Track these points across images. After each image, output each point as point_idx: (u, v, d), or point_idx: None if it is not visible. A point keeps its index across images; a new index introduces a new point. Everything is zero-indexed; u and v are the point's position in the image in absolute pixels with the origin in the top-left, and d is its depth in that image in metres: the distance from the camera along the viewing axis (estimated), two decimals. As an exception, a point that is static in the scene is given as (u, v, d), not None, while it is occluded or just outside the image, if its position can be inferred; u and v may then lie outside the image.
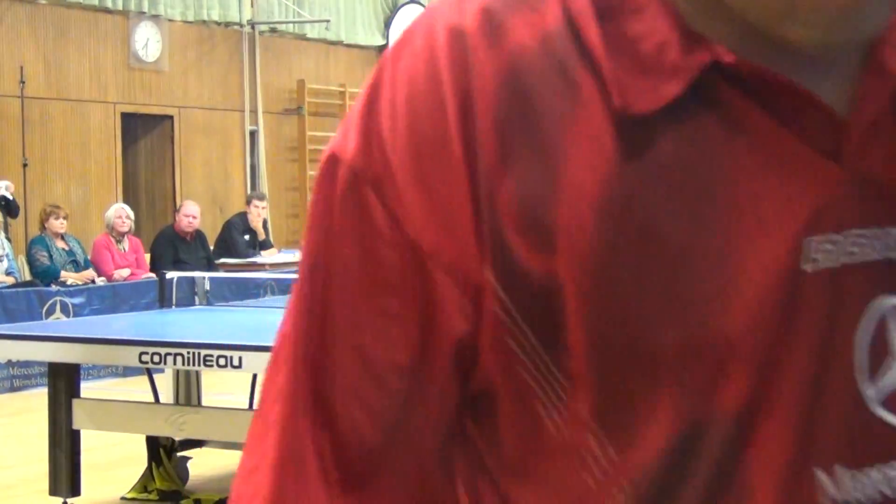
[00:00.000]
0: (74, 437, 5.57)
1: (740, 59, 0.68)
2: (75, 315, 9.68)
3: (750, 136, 0.69)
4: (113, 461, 6.59)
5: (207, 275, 7.49)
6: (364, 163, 0.72)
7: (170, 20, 14.02)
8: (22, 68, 12.46)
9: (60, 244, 11.00)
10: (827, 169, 0.69)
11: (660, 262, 0.69)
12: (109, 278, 11.06)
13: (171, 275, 6.82)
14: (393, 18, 17.21)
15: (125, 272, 11.27)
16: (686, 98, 0.69)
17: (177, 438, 5.93)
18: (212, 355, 4.85)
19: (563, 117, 0.70)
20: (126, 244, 11.54)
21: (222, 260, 12.22)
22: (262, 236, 13.02)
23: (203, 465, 6.41)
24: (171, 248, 11.65)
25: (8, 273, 10.51)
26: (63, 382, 5.59)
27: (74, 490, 5.58)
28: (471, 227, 0.70)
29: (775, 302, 0.69)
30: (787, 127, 0.69)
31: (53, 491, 5.58)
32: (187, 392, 6.20)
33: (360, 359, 0.74)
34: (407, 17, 17.35)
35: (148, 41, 13.84)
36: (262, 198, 13.38)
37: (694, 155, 0.69)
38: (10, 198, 11.16)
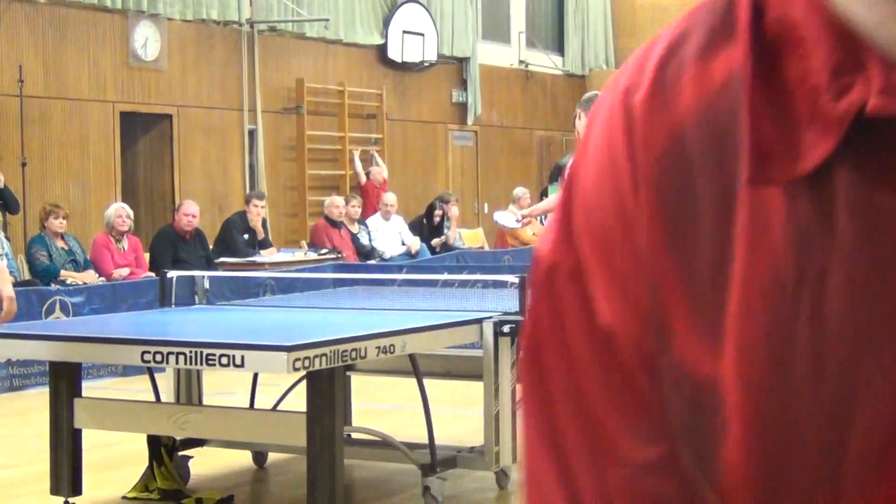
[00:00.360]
0: (76, 436, 5.56)
1: (888, 106, 0.59)
2: (75, 314, 9.67)
3: None
4: (114, 460, 6.59)
5: (207, 274, 7.47)
6: (558, 256, 0.71)
7: (169, 19, 14.01)
8: (21, 67, 12.45)
9: (60, 244, 10.99)
10: None
11: (839, 347, 0.61)
12: (109, 277, 11.05)
13: (172, 274, 6.81)
14: (392, 17, 17.19)
15: (125, 271, 11.26)
16: (857, 140, 0.60)
17: (178, 437, 5.93)
18: (214, 354, 4.84)
19: (724, 190, 0.64)
20: (126, 243, 11.53)
21: (222, 259, 12.22)
22: (261, 235, 13.02)
23: (204, 464, 6.41)
24: (171, 247, 11.64)
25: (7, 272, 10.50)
26: (64, 382, 5.58)
27: (76, 489, 5.57)
28: (646, 312, 0.67)
29: None
30: None
31: (55, 490, 5.58)
32: (188, 391, 6.20)
33: (605, 474, 0.69)
34: (405, 15, 17.34)
35: (147, 40, 13.83)
36: (261, 197, 13.38)
37: (873, 207, 0.60)
38: (2, 185, 11.13)
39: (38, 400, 7.98)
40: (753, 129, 0.62)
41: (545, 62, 20.60)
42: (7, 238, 11.05)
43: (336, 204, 14.23)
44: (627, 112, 0.68)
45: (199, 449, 6.26)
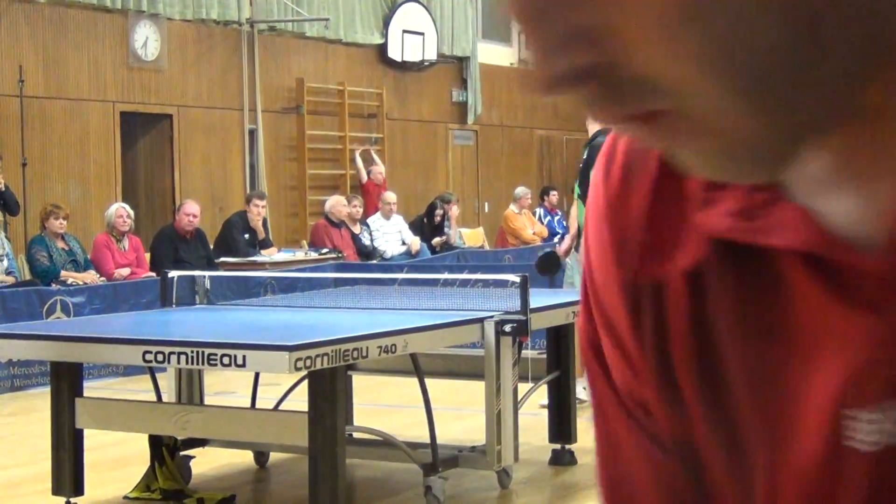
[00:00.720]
0: (77, 436, 5.56)
1: (731, 229, 0.63)
2: (76, 314, 9.67)
3: (784, 294, 0.62)
4: (115, 460, 6.59)
5: (208, 273, 7.47)
6: (584, 328, 0.76)
7: (169, 19, 14.01)
8: (21, 67, 12.45)
9: (60, 244, 10.98)
10: (863, 326, 0.59)
11: (732, 437, 0.68)
12: (110, 277, 11.05)
13: (173, 274, 6.81)
14: (392, 17, 17.19)
15: (125, 271, 11.26)
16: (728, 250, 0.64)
17: (180, 437, 5.93)
18: (215, 354, 4.84)
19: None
20: (126, 243, 11.53)
21: (222, 259, 12.21)
22: (261, 235, 13.01)
23: (206, 464, 6.41)
24: (172, 247, 11.64)
25: (8, 273, 10.50)
26: (66, 382, 5.58)
27: (77, 489, 5.57)
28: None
29: (818, 478, 0.63)
30: (818, 280, 0.61)
31: (56, 490, 5.57)
32: (190, 391, 6.20)
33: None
34: (405, 15, 17.33)
35: (147, 40, 13.83)
36: (261, 197, 13.37)
37: (743, 312, 0.65)
38: (2, 188, 11.11)
39: (39, 400, 7.98)
40: (647, 222, 0.67)
41: (545, 61, 20.57)
42: (7, 238, 11.05)
43: (341, 204, 14.18)
44: (605, 199, 0.71)
45: (200, 449, 6.25)
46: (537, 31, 0.55)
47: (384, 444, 5.92)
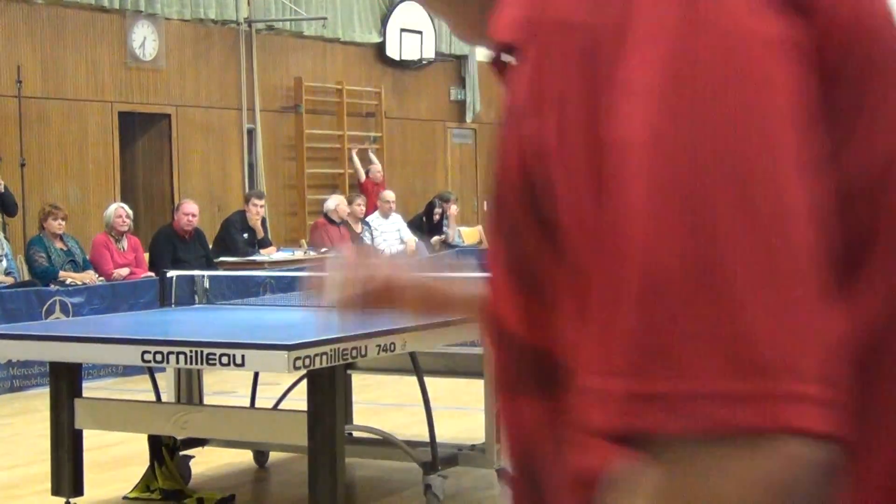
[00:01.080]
0: (77, 436, 5.56)
1: None
2: (75, 314, 9.67)
3: None
4: (115, 461, 6.59)
5: (207, 273, 7.47)
6: None
7: (167, 19, 14.00)
8: (19, 68, 12.45)
9: (59, 245, 10.97)
10: None
11: None
12: (109, 277, 11.04)
13: (172, 273, 6.81)
14: (390, 16, 17.18)
15: (124, 271, 11.24)
16: None
17: (179, 437, 5.93)
18: (214, 354, 4.84)
19: None
20: (125, 243, 11.52)
21: (221, 258, 12.21)
22: (260, 234, 13.00)
23: (205, 463, 6.41)
24: (170, 246, 11.63)
25: (7, 273, 10.49)
26: (65, 382, 5.58)
27: (77, 490, 5.58)
28: None
29: None
30: None
31: (56, 491, 5.58)
32: (189, 391, 6.20)
33: None
34: (403, 14, 17.32)
35: (145, 40, 13.82)
36: (260, 196, 13.36)
37: None
38: (1, 190, 11.11)
39: (38, 400, 7.98)
40: None
41: (543, 59, 20.57)
42: (6, 239, 11.05)
43: (345, 204, 14.13)
44: None
45: (200, 449, 6.26)
46: None
47: (383, 443, 5.92)
